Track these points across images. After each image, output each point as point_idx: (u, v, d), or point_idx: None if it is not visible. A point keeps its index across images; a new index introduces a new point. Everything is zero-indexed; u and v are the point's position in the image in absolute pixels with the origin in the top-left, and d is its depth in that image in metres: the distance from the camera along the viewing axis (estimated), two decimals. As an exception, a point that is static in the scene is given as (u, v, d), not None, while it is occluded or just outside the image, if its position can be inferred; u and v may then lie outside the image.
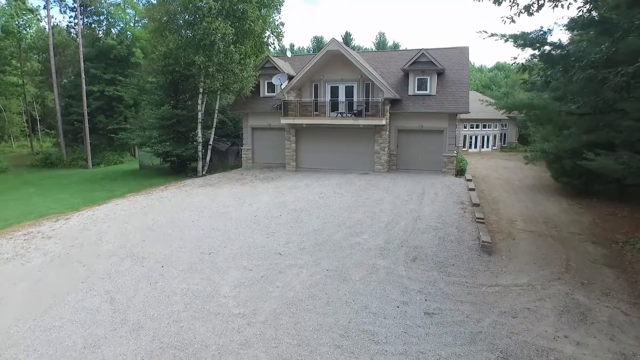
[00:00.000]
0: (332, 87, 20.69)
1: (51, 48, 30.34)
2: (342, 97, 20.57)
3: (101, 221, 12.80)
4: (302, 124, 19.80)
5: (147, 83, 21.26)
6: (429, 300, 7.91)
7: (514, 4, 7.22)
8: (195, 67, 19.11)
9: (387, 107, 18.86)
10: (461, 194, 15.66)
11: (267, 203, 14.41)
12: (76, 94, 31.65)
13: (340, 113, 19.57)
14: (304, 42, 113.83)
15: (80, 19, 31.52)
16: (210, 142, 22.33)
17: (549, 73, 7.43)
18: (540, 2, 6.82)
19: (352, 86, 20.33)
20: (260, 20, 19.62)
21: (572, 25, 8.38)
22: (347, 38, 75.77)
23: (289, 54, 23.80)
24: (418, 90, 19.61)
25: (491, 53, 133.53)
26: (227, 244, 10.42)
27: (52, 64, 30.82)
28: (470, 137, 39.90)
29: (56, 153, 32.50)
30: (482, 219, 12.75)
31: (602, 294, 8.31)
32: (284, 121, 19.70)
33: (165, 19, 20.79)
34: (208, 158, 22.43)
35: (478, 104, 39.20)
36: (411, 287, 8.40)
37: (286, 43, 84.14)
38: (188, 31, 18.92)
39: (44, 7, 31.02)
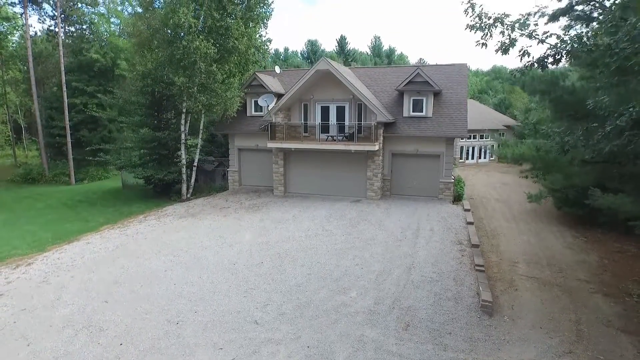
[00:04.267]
0: (322, 107, 19.58)
1: (30, 59, 28.95)
2: (333, 117, 19.46)
3: (65, 269, 11.65)
4: (291, 148, 18.67)
5: (128, 103, 20.11)
6: (423, 392, 6.86)
7: (524, 55, 6.15)
8: (175, 87, 17.91)
9: (380, 130, 17.77)
10: (459, 230, 14.62)
11: (250, 244, 13.29)
12: (58, 106, 30.32)
13: (331, 136, 18.46)
14: (300, 44, 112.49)
15: (62, 27, 30.14)
16: (195, 163, 21.15)
17: (566, 140, 6.39)
18: (558, 57, 5.73)
19: (344, 106, 19.23)
20: (245, 38, 18.42)
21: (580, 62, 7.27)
22: (342, 42, 74.71)
23: (277, 69, 22.61)
24: (413, 111, 18.52)
25: (488, 56, 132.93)
26: (199, 307, 9.31)
27: (31, 75, 29.43)
28: (467, 148, 38.91)
29: (37, 168, 31.15)
30: (482, 265, 11.71)
31: (621, 380, 7.29)
32: (271, 145, 18.56)
33: (146, 33, 19.61)
34: (193, 180, 21.26)
35: (475, 114, 38.27)
36: (403, 372, 7.34)
37: (280, 47, 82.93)
38: (168, 49, 17.70)
39: (22, 15, 29.62)
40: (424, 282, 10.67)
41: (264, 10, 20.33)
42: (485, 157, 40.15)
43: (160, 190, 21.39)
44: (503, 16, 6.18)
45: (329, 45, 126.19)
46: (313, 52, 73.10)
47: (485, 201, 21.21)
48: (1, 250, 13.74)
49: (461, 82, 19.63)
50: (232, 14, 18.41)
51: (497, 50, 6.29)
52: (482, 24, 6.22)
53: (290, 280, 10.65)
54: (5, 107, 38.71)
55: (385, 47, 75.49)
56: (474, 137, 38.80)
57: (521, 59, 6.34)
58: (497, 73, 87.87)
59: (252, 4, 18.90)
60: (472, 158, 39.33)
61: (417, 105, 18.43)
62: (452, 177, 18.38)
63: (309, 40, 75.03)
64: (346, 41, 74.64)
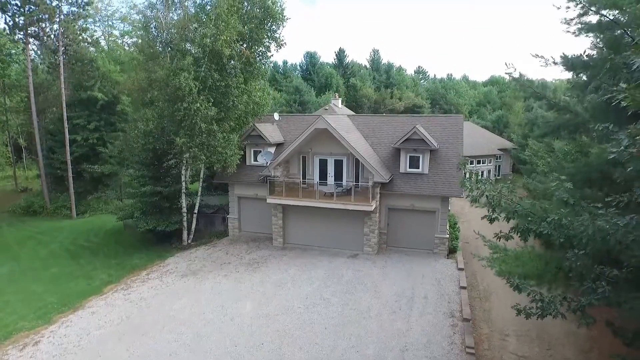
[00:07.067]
0: (320, 160, 20.06)
1: (32, 95, 29.25)
2: (331, 170, 19.95)
3: (72, 351, 12.07)
4: (290, 204, 19.14)
5: (130, 155, 20.61)
6: None
7: (510, 220, 6.63)
8: (176, 146, 18.34)
9: (377, 189, 18.24)
10: (452, 297, 15.10)
11: (250, 317, 13.74)
12: (60, 138, 30.68)
13: (330, 193, 18.90)
14: (299, 49, 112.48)
15: (63, 59, 30.29)
16: (196, 211, 21.61)
17: (546, 301, 6.92)
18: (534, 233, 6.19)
19: (342, 160, 19.70)
20: (245, 96, 18.83)
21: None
22: (340, 54, 75.10)
23: (276, 116, 22.98)
24: (410, 167, 19.00)
25: (485, 66, 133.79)
26: (202, 407, 9.75)
27: (32, 110, 29.78)
28: (465, 174, 39.34)
29: (39, 201, 31.48)
30: (472, 347, 12.22)
31: None
32: (271, 200, 19.04)
33: (145, 83, 20.04)
34: (194, 226, 21.72)
35: (471, 138, 38.73)
36: None
37: (279, 59, 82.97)
38: (168, 107, 18.14)
39: (23, 50, 29.91)
40: (416, 370, 11.14)
41: (263, 61, 20.75)
42: (481, 182, 40.59)
43: (162, 236, 21.77)
44: (488, 187, 6.76)
45: (327, 56, 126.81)
46: (312, 64, 73.35)
47: (480, 247, 21.66)
48: (8, 320, 14.14)
49: (457, 134, 20.09)
50: (232, 70, 18.76)
51: (483, 217, 6.95)
52: (473, 189, 6.83)
53: (289, 369, 11.11)
54: (7, 132, 39.07)
55: (384, 61, 75.79)
56: (471, 163, 39.31)
57: (508, 221, 6.94)
58: (495, 83, 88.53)
59: (251, 60, 19.30)
60: (469, 183, 39.76)
61: (414, 162, 18.90)
62: (447, 233, 18.87)
63: (307, 52, 75.28)
64: (345, 54, 75.01)
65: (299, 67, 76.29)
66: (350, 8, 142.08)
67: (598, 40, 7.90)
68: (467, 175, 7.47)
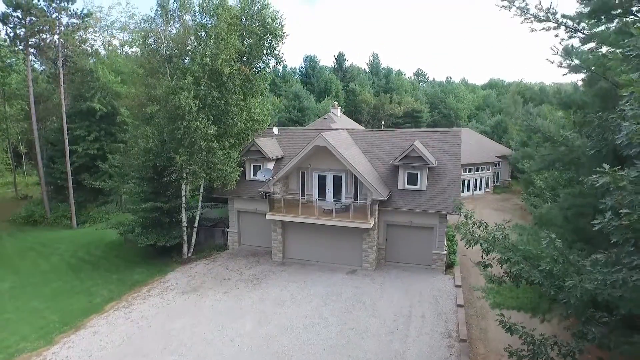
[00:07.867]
0: (319, 176, 20.23)
1: (32, 105, 29.40)
2: (330, 185, 20.13)
3: (74, 374, 12.24)
4: (289, 221, 19.32)
5: (130, 170, 20.85)
6: None
7: (501, 265, 6.82)
8: (177, 164, 18.50)
9: (375, 206, 18.41)
10: (449, 317, 15.26)
11: (250, 337, 13.91)
12: (60, 148, 30.84)
13: (329, 209, 19.05)
14: (299, 53, 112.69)
15: (62, 71, 30.45)
16: (196, 224, 21.77)
17: (537, 344, 7.13)
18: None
19: (340, 176, 19.86)
20: (245, 113, 18.99)
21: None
22: (340, 58, 75.26)
23: (275, 130, 23.15)
24: (408, 184, 19.17)
25: (484, 69, 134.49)
26: None
27: (33, 120, 29.92)
28: (463, 181, 39.53)
29: (39, 210, 31.64)
30: (469, 371, 12.42)
31: None
32: (270, 217, 19.23)
33: (144, 97, 20.18)
34: (194, 240, 21.87)
35: (470, 145, 38.87)
36: None
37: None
38: (168, 125, 18.29)
39: (24, 60, 30.03)
40: (413, 395, 11.31)
41: (262, 76, 20.90)
42: (480, 189, 40.86)
43: (162, 249, 21.90)
44: (482, 235, 6.99)
45: (327, 59, 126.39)
46: (312, 68, 73.55)
47: (478, 259, 21.86)
48: (10, 341, 14.27)
49: (455, 149, 20.26)
50: (232, 87, 18.90)
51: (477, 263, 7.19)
52: (467, 234, 7.07)
53: (288, 394, 11.27)
54: (7, 140, 39.22)
55: (384, 65, 75.97)
56: (469, 170, 39.47)
57: (502, 267, 7.18)
58: (494, 86, 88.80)
59: (250, 77, 19.45)
60: (468, 190, 39.97)
61: (412, 179, 19.07)
62: (445, 249, 19.05)
63: (307, 56, 75.49)
64: (344, 58, 75.18)
65: (298, 71, 76.52)
66: (350, 8, 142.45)
67: (589, 88, 8.11)
68: (463, 218, 7.65)
